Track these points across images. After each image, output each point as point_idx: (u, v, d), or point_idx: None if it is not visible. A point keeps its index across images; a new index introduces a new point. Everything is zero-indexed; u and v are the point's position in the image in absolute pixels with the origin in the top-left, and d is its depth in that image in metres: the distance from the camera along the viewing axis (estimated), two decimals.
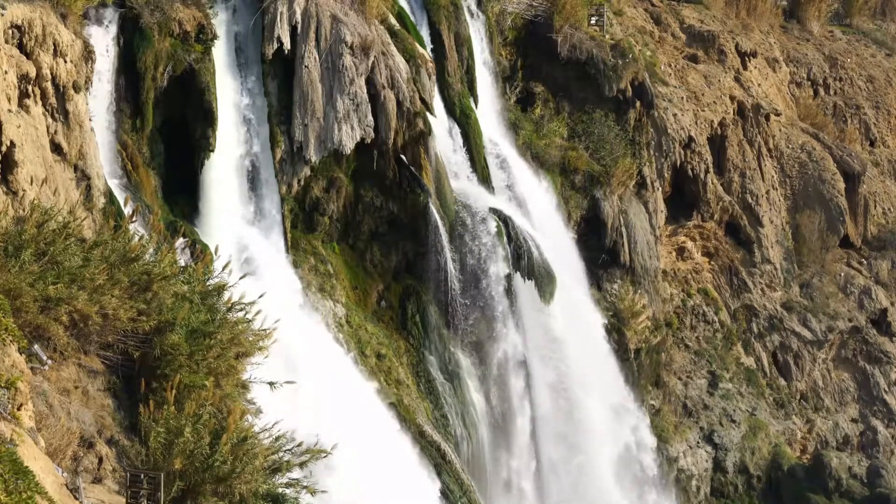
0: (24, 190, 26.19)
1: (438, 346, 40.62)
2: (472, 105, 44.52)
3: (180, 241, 30.13)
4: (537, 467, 42.96)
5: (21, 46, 28.22)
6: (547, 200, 46.50)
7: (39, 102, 28.69)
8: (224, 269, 23.05)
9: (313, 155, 37.99)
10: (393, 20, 41.64)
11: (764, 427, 52.61)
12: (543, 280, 42.39)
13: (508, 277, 41.48)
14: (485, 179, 43.87)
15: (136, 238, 22.14)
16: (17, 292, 18.64)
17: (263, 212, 37.49)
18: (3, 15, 27.27)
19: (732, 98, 56.71)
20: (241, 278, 23.52)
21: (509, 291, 41.62)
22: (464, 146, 43.66)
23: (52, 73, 29.02)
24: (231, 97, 36.93)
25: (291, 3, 37.67)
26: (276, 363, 26.66)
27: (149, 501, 17.52)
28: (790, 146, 60.01)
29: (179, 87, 35.43)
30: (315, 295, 38.13)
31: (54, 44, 28.99)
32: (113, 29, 33.87)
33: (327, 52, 38.15)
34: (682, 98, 54.17)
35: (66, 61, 29.43)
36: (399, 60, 39.79)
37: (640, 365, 48.91)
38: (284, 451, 20.38)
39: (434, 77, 41.57)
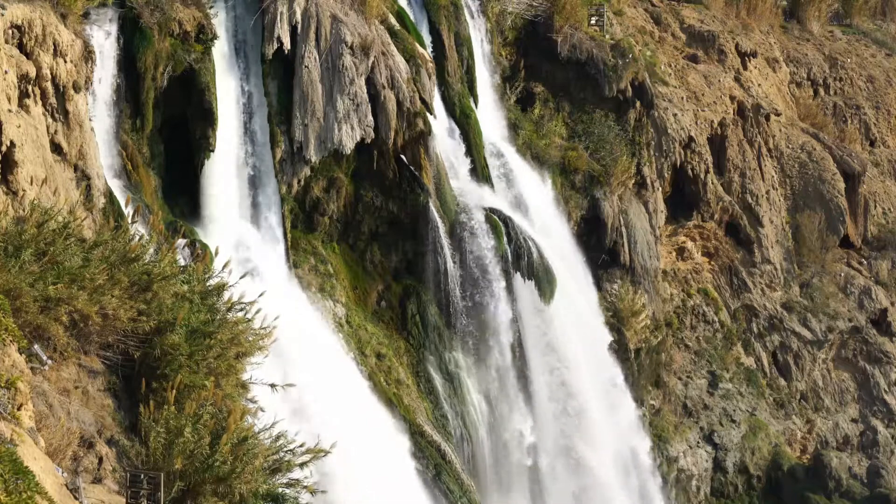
0: (24, 190, 26.20)
1: (438, 346, 40.62)
2: (472, 105, 44.53)
3: (180, 241, 30.13)
4: (536, 468, 42.96)
5: (21, 46, 28.23)
6: (547, 200, 46.50)
7: (39, 102, 28.70)
8: (224, 268, 23.04)
9: (313, 155, 38.00)
10: (393, 20, 41.64)
11: (764, 427, 52.61)
12: (543, 280, 42.39)
13: (508, 277, 41.48)
14: (485, 179, 43.88)
15: (137, 238, 22.13)
16: (17, 292, 18.63)
17: (263, 212, 37.50)
18: (3, 15, 27.27)
19: (732, 98, 56.71)
20: (241, 278, 23.52)
21: (509, 292, 41.62)
22: (464, 146, 43.66)
23: (52, 73, 29.03)
24: (231, 97, 36.93)
25: (291, 3, 37.68)
26: (276, 363, 26.67)
27: (149, 501, 17.51)
28: (790, 146, 60.01)
29: (179, 87, 35.43)
30: (315, 295, 38.14)
31: (54, 44, 29.00)
32: (113, 29, 33.86)
33: (327, 52, 38.16)
34: (682, 98, 54.17)
35: (66, 61, 29.44)
36: (399, 60, 39.81)
37: (640, 365, 48.91)
38: (285, 451, 20.37)
39: (434, 77, 41.58)
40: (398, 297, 40.76)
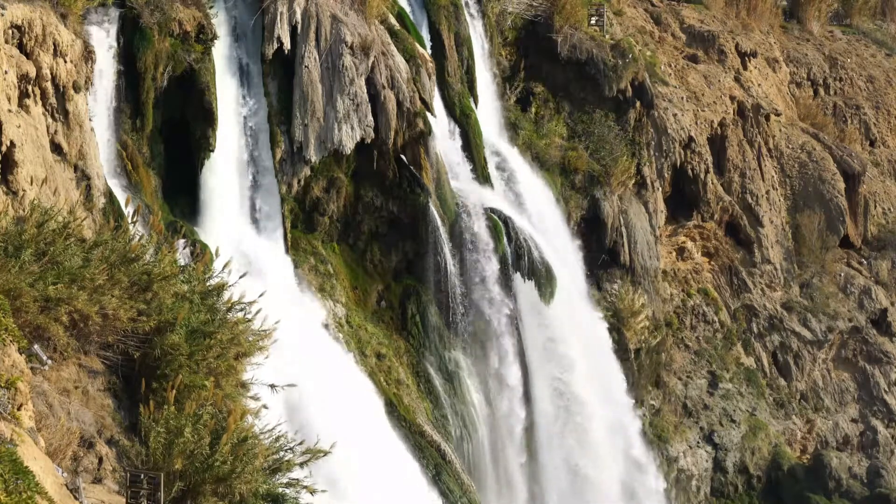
0: (24, 190, 26.20)
1: (438, 346, 40.61)
2: (472, 105, 44.52)
3: (180, 241, 30.14)
4: (536, 468, 42.95)
5: (21, 46, 28.23)
6: (547, 200, 46.49)
7: (39, 102, 28.70)
8: (224, 268, 23.04)
9: (313, 155, 38.00)
10: (393, 20, 41.64)
11: (764, 427, 52.61)
12: (543, 280, 42.39)
13: (508, 277, 41.47)
14: (485, 179, 43.87)
15: (137, 238, 22.13)
16: (17, 292, 18.64)
17: (263, 212, 37.50)
18: (3, 15, 27.28)
19: (732, 98, 56.71)
20: (240, 277, 23.52)
21: (509, 291, 41.61)
22: (464, 146, 43.65)
23: (52, 73, 29.03)
24: (231, 97, 36.93)
25: (291, 3, 37.68)
26: (276, 363, 26.65)
27: (149, 501, 17.51)
28: (790, 146, 60.00)
29: (179, 87, 35.43)
30: (315, 295, 38.13)
31: (54, 44, 29.00)
32: (113, 29, 33.87)
33: (327, 52, 38.16)
34: (682, 98, 54.16)
35: (66, 61, 29.44)
36: (399, 60, 39.80)
37: (640, 365, 48.90)
38: (285, 451, 20.38)
39: (434, 77, 41.58)
40: (398, 297, 40.75)
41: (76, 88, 30.00)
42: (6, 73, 26.81)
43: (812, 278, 57.73)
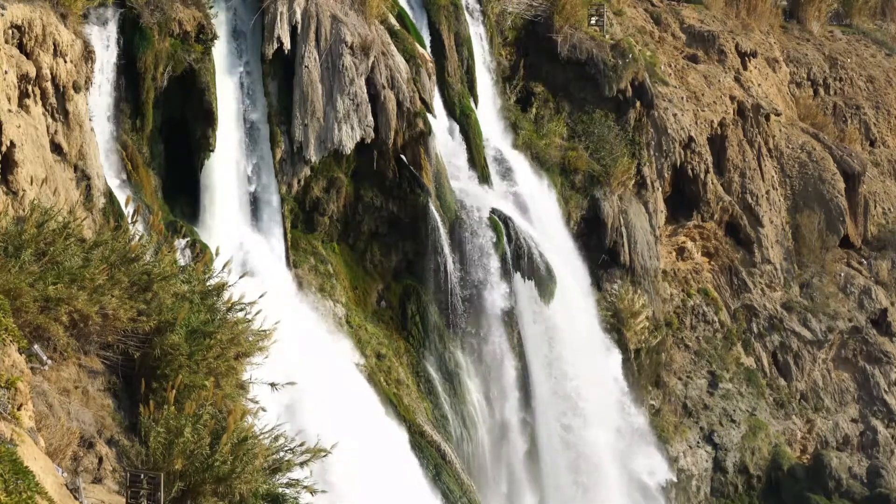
0: (24, 190, 26.20)
1: (438, 346, 40.62)
2: (472, 105, 44.53)
3: (180, 241, 30.14)
4: (537, 465, 42.95)
5: (21, 46, 28.22)
6: (547, 200, 46.49)
7: (39, 102, 28.69)
8: (224, 268, 23.03)
9: (313, 155, 38.00)
10: (393, 20, 41.65)
11: (764, 427, 52.61)
12: (543, 280, 42.40)
13: (508, 277, 41.48)
14: (485, 179, 43.88)
15: (137, 238, 22.13)
16: (17, 292, 18.63)
17: (263, 212, 37.50)
18: (3, 15, 27.27)
19: (732, 98, 56.71)
20: (240, 277, 23.52)
21: (509, 292, 41.61)
22: (464, 146, 43.66)
23: (52, 73, 29.02)
24: (231, 97, 36.93)
25: (291, 3, 37.68)
26: (275, 363, 26.66)
27: (149, 501, 17.51)
28: (790, 146, 60.01)
29: (179, 87, 35.43)
30: (315, 295, 38.14)
31: (54, 44, 28.99)
32: (113, 29, 33.88)
33: (327, 52, 38.16)
34: (682, 98, 54.16)
35: (66, 61, 29.43)
36: (399, 60, 39.81)
37: (639, 365, 48.89)
38: (285, 451, 20.37)
39: (434, 77, 41.59)
40: (398, 297, 40.76)
41: (76, 88, 30.00)
42: (6, 73, 26.81)
43: (812, 278, 57.73)
